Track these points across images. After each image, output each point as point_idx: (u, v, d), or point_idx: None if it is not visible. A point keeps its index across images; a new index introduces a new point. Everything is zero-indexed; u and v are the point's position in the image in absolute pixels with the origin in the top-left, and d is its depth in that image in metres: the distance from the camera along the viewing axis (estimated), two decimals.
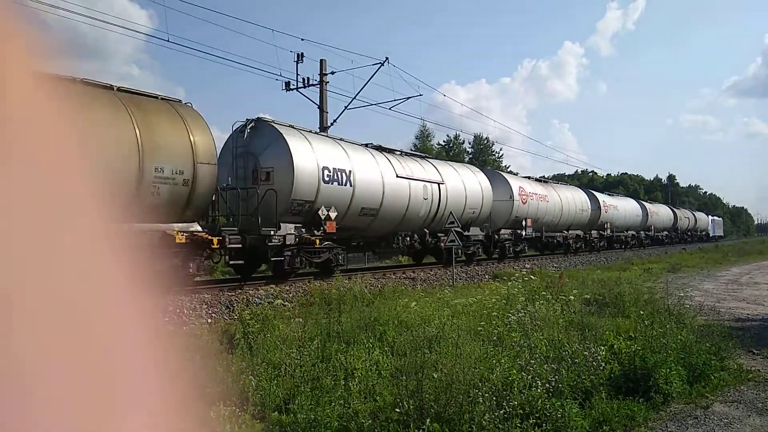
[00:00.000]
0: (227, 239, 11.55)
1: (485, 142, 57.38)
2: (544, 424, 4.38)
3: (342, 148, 15.04)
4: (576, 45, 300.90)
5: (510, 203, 23.37)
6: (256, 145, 13.52)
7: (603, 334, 6.78)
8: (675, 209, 57.84)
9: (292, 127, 14.21)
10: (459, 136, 55.83)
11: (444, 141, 56.28)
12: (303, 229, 13.57)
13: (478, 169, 23.25)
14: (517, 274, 10.20)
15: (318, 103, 22.53)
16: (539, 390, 4.66)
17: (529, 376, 4.83)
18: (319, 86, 22.45)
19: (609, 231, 35.21)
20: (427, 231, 18.35)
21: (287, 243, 13.00)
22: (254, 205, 12.58)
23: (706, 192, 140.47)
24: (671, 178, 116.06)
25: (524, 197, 24.43)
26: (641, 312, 7.99)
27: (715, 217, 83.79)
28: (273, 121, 13.93)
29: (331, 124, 22.57)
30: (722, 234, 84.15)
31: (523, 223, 24.29)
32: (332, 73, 22.72)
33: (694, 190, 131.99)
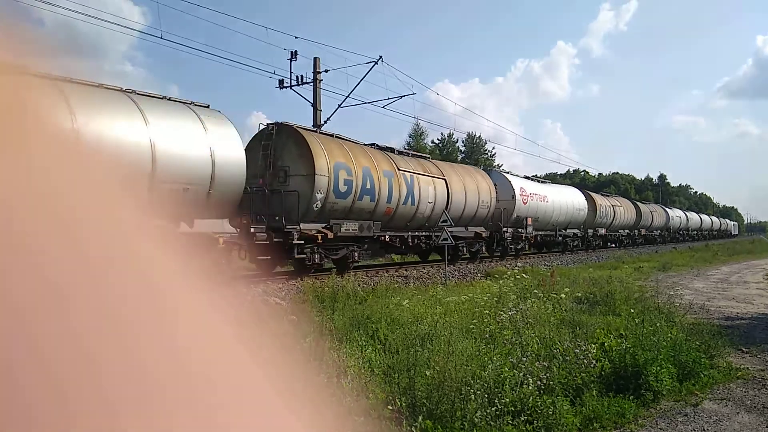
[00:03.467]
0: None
1: (478, 141, 57.65)
2: (535, 421, 4.41)
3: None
4: (569, 45, 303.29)
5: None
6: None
7: (594, 331, 6.82)
8: (707, 216, 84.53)
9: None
10: (453, 134, 56.03)
11: (438, 139, 56.47)
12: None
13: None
14: (509, 273, 10.23)
15: (312, 101, 22.49)
16: (531, 387, 4.68)
17: (521, 374, 4.86)
18: (312, 84, 22.41)
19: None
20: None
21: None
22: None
23: (696, 192, 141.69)
24: (662, 177, 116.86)
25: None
26: (632, 310, 8.05)
27: (733, 222, 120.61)
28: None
29: (325, 122, 22.53)
30: (738, 232, 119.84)
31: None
32: (326, 71, 22.66)
33: (684, 190, 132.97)
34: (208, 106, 12.48)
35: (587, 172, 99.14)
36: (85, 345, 0.35)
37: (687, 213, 69.00)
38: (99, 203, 0.45)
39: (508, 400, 4.45)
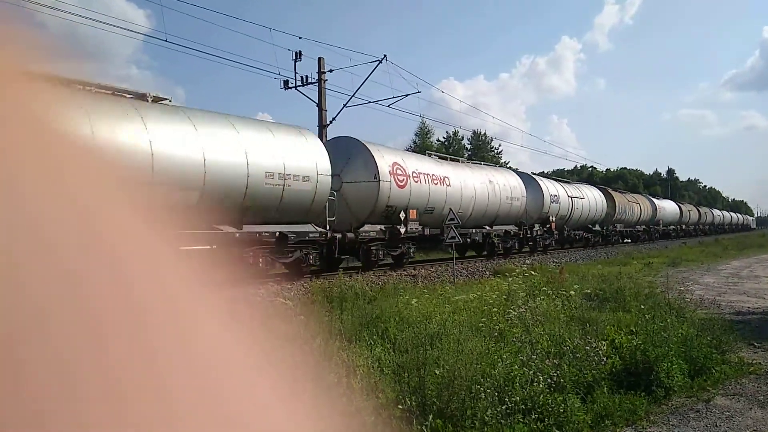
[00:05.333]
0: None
1: (484, 138, 57.56)
2: (546, 419, 4.40)
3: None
4: (573, 40, 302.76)
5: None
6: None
7: (604, 328, 6.80)
8: (736, 214, 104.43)
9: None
10: (458, 132, 55.98)
11: (443, 138, 56.44)
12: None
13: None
14: (517, 270, 10.21)
15: (317, 102, 22.53)
16: (541, 385, 4.67)
17: (531, 372, 4.85)
18: (317, 84, 22.44)
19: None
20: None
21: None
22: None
23: (705, 186, 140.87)
24: (671, 172, 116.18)
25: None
26: (642, 306, 8.00)
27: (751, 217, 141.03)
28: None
29: (330, 122, 22.57)
30: (755, 226, 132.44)
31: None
32: (330, 71, 22.69)
33: (693, 184, 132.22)
34: None
35: (595, 168, 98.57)
36: (94, 346, 0.36)
37: (722, 211, 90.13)
38: (110, 205, 0.45)
39: (518, 398, 4.44)
